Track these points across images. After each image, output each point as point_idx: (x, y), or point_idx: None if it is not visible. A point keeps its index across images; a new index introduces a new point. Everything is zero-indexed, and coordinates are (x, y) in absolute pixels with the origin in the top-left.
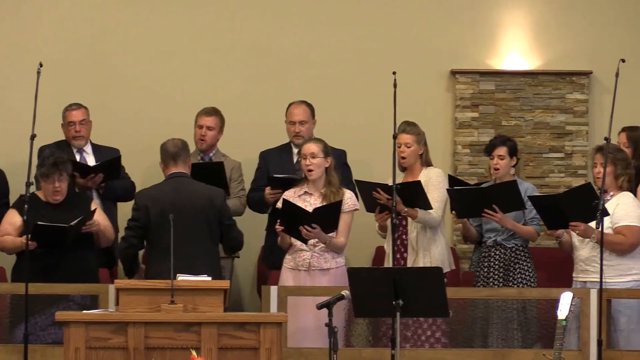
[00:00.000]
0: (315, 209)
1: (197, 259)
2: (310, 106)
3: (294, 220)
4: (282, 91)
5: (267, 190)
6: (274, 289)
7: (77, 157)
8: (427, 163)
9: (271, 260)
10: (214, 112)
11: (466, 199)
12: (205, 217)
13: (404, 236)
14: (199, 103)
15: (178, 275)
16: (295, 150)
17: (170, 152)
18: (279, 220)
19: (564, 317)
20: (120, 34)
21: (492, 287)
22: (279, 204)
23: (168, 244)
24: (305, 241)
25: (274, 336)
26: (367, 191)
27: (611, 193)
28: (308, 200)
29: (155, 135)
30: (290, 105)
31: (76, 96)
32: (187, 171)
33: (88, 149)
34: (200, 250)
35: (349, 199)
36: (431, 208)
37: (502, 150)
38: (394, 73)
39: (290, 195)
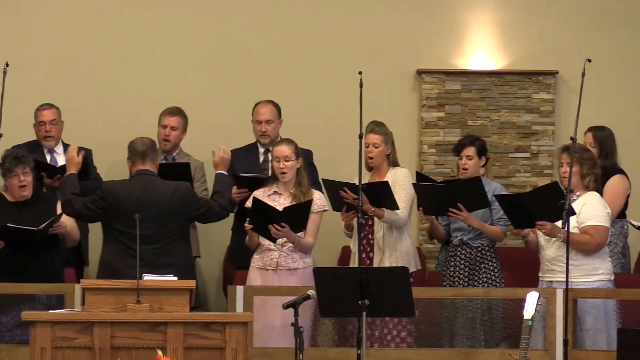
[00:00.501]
0: (285, 208)
1: (163, 257)
2: (276, 105)
3: (263, 219)
4: (248, 91)
5: (234, 189)
6: (239, 289)
7: (48, 158)
8: (394, 163)
9: (237, 259)
10: (177, 112)
11: (432, 195)
12: (172, 214)
13: (370, 236)
14: (166, 103)
15: (144, 274)
16: (261, 150)
17: (139, 151)
18: (248, 219)
19: (530, 317)
20: (88, 35)
21: (458, 287)
22: (248, 203)
23: (129, 241)
24: (274, 240)
25: (240, 336)
26: (333, 190)
27: (577, 193)
28: (277, 200)
29: (123, 135)
30: (256, 104)
31: (46, 96)
32: (154, 170)
33: (59, 149)
34: (166, 248)
35: (318, 199)
36: (398, 208)
37: (470, 151)
38: (360, 73)
39: (260, 194)
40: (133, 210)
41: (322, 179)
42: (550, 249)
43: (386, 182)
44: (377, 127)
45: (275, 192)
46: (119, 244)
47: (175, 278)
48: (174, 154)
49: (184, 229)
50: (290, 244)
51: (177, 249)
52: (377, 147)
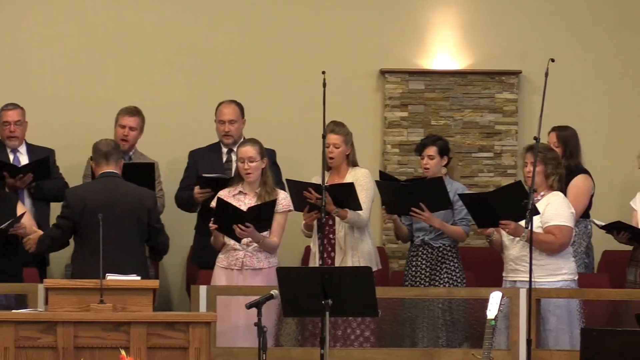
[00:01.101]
0: (250, 208)
1: (125, 258)
2: (239, 105)
3: (227, 219)
4: (211, 90)
5: (196, 189)
6: (203, 289)
7: (11, 158)
8: (354, 163)
9: (200, 259)
10: (135, 112)
11: (394, 194)
12: (135, 218)
13: (331, 235)
14: (127, 102)
15: (107, 274)
16: (224, 150)
17: (103, 151)
18: (212, 219)
19: (493, 317)
20: (47, 34)
21: (420, 287)
22: (213, 203)
23: (97, 243)
24: (238, 240)
25: (203, 336)
26: (297, 190)
27: (542, 192)
28: (242, 199)
29: (85, 135)
30: (219, 104)
31: (7, 96)
32: (118, 171)
33: (22, 149)
34: (129, 250)
35: (283, 199)
36: (361, 209)
37: (431, 150)
38: (323, 72)
39: (225, 194)
40: (96, 212)
41: (286, 179)
42: (514, 249)
43: (351, 184)
44: (337, 127)
45: (240, 192)
46: (86, 245)
47: (139, 278)
48: (130, 153)
49: (145, 233)
50: (255, 244)
51: (139, 251)
52: (337, 148)
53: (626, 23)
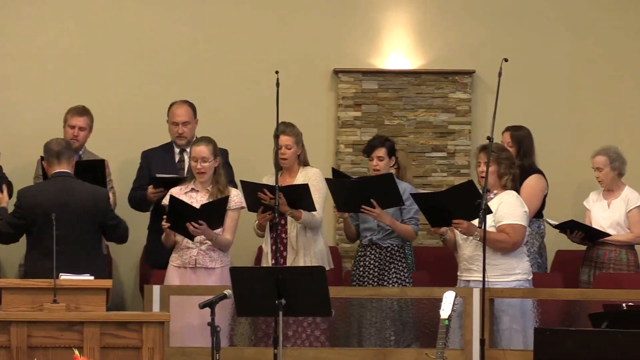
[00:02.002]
0: (203, 205)
1: (79, 258)
2: (192, 106)
3: (180, 216)
4: (163, 89)
5: (150, 189)
6: (156, 288)
7: None
8: (305, 163)
9: (153, 259)
10: (84, 111)
11: (345, 191)
12: (88, 217)
13: (283, 235)
14: (76, 102)
15: (61, 274)
16: (177, 150)
17: (55, 151)
18: (164, 217)
19: (446, 317)
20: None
21: (371, 287)
22: (165, 201)
23: (50, 243)
24: (191, 238)
25: (157, 335)
26: (251, 191)
27: (495, 192)
28: (194, 197)
29: (32, 135)
30: (172, 105)
31: None
32: (70, 170)
33: None
34: (83, 249)
35: (235, 196)
36: (315, 210)
37: (381, 152)
38: (277, 72)
39: (177, 192)
40: (49, 212)
41: (240, 180)
42: (468, 248)
43: (306, 185)
44: (287, 128)
45: (192, 190)
46: (39, 245)
47: (92, 278)
48: (80, 152)
49: (98, 232)
50: (209, 242)
51: (93, 250)
52: (289, 149)
53: (580, 23)
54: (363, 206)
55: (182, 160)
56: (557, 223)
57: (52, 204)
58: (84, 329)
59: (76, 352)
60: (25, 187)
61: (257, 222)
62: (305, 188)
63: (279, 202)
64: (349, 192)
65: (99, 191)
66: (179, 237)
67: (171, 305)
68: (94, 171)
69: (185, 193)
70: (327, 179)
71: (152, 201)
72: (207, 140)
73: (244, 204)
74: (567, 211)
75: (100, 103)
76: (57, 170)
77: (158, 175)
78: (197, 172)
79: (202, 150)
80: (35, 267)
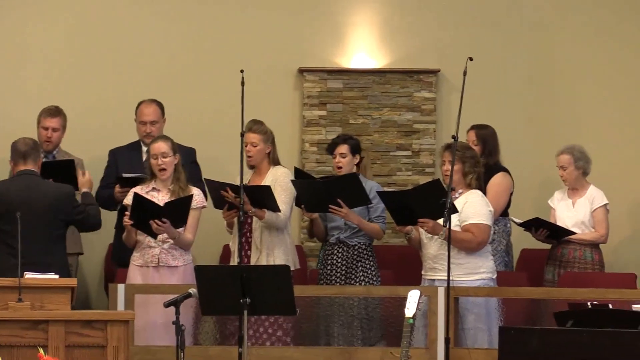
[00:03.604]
0: (167, 203)
1: (44, 256)
2: (160, 105)
3: (143, 214)
4: (130, 88)
5: (117, 188)
6: (121, 287)
7: None
8: (275, 162)
9: (119, 257)
10: (57, 112)
11: (310, 192)
12: (53, 214)
13: (248, 234)
14: (46, 101)
15: (25, 272)
16: (144, 149)
17: (21, 151)
18: (126, 214)
19: (411, 315)
20: None
21: (338, 285)
22: (126, 200)
23: (14, 241)
24: (154, 236)
25: (121, 334)
26: (215, 190)
27: (460, 191)
28: (156, 196)
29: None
30: (140, 104)
31: None
32: (37, 170)
33: None
34: (48, 247)
35: (197, 195)
36: (279, 210)
37: (343, 149)
38: (242, 71)
39: (138, 191)
40: (13, 210)
41: (205, 179)
42: (432, 247)
43: (268, 187)
44: (255, 125)
45: (153, 189)
46: (3, 243)
47: (57, 276)
48: (54, 152)
49: (63, 230)
50: (171, 240)
51: (58, 248)
52: (255, 146)
53: (543, 21)
54: (330, 206)
55: (149, 159)
56: (521, 221)
57: (15, 201)
58: (49, 327)
59: (41, 350)
60: None
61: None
62: (267, 189)
63: (243, 201)
64: (315, 192)
65: (62, 188)
66: (140, 237)
67: (136, 303)
68: (64, 171)
69: (147, 192)
70: (292, 181)
71: (119, 200)
72: (164, 137)
73: (205, 203)
74: (531, 210)
75: (68, 101)
76: (23, 169)
77: (124, 175)
78: (159, 169)
79: (161, 146)
80: (1, 267)
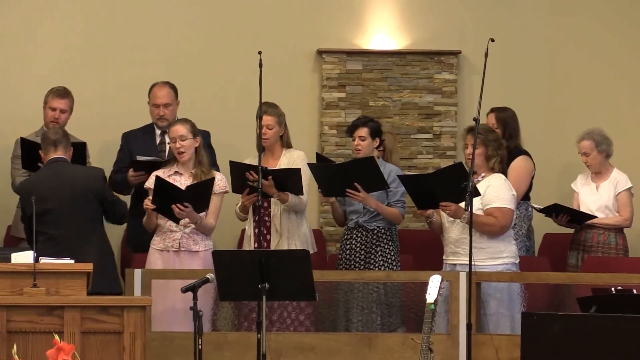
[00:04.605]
0: (188, 187)
1: (83, 241)
2: (173, 87)
3: (165, 198)
4: (144, 70)
5: (131, 172)
6: (137, 272)
7: None
8: (288, 144)
9: (134, 242)
10: (65, 93)
11: (327, 176)
12: (88, 195)
13: (266, 218)
14: (58, 83)
15: (41, 258)
16: (158, 132)
17: (52, 139)
18: (149, 197)
19: (432, 301)
20: None
21: (356, 270)
22: (148, 184)
23: (48, 229)
24: (176, 220)
25: (138, 320)
26: (238, 172)
27: (482, 174)
28: (178, 180)
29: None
30: (153, 86)
31: None
32: (67, 158)
33: None
34: (85, 232)
35: (220, 180)
36: (302, 194)
37: (362, 131)
38: (260, 53)
39: (160, 175)
40: (47, 197)
41: (230, 161)
42: (454, 231)
43: (298, 170)
44: (269, 108)
45: (176, 173)
46: (43, 235)
47: (72, 261)
48: None
49: (100, 213)
50: (192, 225)
51: (95, 233)
52: (271, 129)
53: (565, 2)
54: (348, 190)
55: (163, 142)
56: (541, 207)
57: (48, 190)
58: (64, 313)
59: (56, 337)
60: (23, 180)
61: (238, 204)
62: (297, 172)
63: (266, 185)
64: (332, 176)
65: (93, 169)
66: (161, 220)
67: (153, 289)
68: (75, 154)
69: (169, 176)
70: (309, 164)
71: (132, 184)
72: (184, 120)
73: (228, 188)
74: (552, 194)
75: (80, 84)
76: (53, 157)
77: (139, 159)
78: (178, 152)
79: (179, 129)
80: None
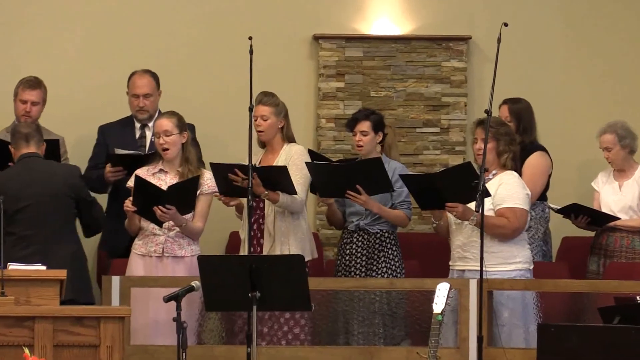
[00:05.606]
0: (170, 187)
1: (54, 243)
2: (155, 76)
3: (147, 199)
4: (122, 57)
5: (108, 167)
6: (115, 279)
7: None
8: (289, 138)
9: (111, 246)
10: (37, 84)
11: (326, 175)
12: (62, 197)
13: (260, 220)
14: (30, 73)
15: (9, 263)
16: (137, 125)
17: (23, 133)
18: (130, 199)
19: (440, 311)
20: None
21: (358, 278)
22: (130, 183)
23: (19, 229)
24: (159, 224)
25: (116, 332)
26: (222, 174)
27: (493, 172)
28: (163, 178)
29: None
30: (132, 75)
31: None
32: (40, 153)
33: None
34: (58, 233)
35: (209, 179)
36: (295, 193)
37: (364, 125)
38: (250, 38)
39: (144, 173)
40: (19, 195)
41: (210, 163)
42: (462, 234)
43: (284, 168)
44: (265, 97)
45: (160, 170)
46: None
47: (44, 267)
48: None
49: (74, 215)
50: (177, 229)
51: (69, 235)
52: (266, 120)
53: None
54: (348, 192)
55: (143, 136)
56: (559, 207)
57: (20, 187)
58: (35, 324)
59: (26, 350)
60: None
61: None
62: (283, 170)
63: (253, 183)
64: (332, 176)
65: (70, 166)
66: (144, 223)
67: (132, 298)
68: (47, 152)
69: (153, 174)
70: (306, 163)
71: (109, 181)
72: (170, 113)
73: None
74: (570, 193)
75: (53, 73)
76: (25, 152)
77: (117, 152)
78: (162, 149)
79: (163, 123)
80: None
